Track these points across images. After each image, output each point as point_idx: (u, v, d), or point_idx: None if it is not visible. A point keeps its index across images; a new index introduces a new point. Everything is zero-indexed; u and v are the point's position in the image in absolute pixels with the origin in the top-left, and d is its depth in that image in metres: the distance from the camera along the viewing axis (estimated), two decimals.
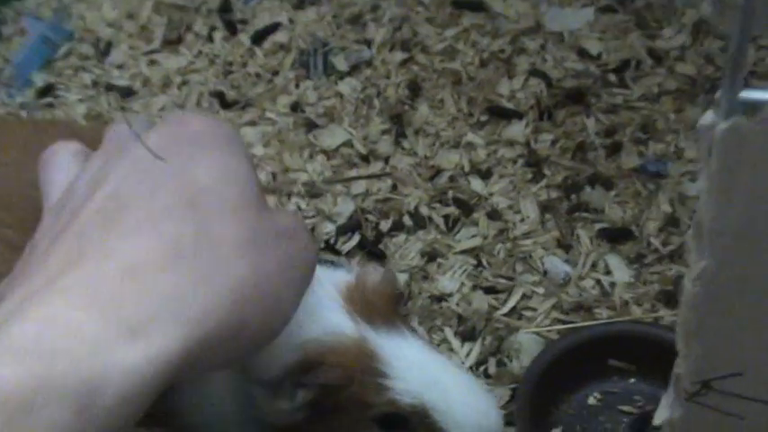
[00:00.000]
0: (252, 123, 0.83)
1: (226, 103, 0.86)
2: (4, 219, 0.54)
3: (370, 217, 0.75)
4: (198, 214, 0.40)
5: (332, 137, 0.81)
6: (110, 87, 0.88)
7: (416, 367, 0.51)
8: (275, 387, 0.49)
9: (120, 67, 0.91)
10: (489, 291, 0.69)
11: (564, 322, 0.66)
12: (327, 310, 0.51)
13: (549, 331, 0.66)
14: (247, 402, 0.51)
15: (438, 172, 0.78)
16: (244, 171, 0.43)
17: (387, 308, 0.53)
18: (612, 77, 0.83)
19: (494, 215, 0.74)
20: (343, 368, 0.50)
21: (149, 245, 0.38)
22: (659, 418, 0.59)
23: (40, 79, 0.90)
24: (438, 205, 0.75)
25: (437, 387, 0.51)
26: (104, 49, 0.92)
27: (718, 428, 0.34)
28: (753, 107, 0.28)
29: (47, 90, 0.89)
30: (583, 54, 0.86)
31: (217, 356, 0.39)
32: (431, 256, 0.71)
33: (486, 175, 0.77)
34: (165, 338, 0.36)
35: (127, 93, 0.88)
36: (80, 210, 0.40)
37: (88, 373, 0.33)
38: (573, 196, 0.75)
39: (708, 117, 0.29)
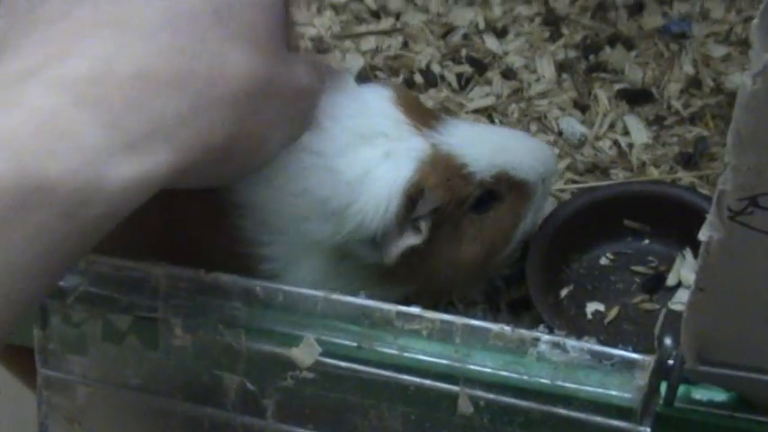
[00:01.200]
0: None
1: None
2: None
3: (380, 74, 0.72)
4: (221, 32, 0.36)
5: None
6: None
7: (479, 142, 0.52)
8: (383, 240, 0.49)
9: None
10: None
11: (578, 183, 0.64)
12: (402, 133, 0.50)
13: (562, 191, 0.64)
14: (350, 263, 0.51)
15: (451, 29, 0.74)
16: None
17: (425, 108, 0.54)
18: None
19: (508, 74, 0.71)
20: (441, 182, 0.50)
21: (164, 52, 0.35)
22: (674, 277, 0.58)
23: None
24: (450, 63, 0.72)
25: (503, 149, 0.53)
26: None
27: (761, 254, 0.32)
28: None
29: None
30: None
31: (196, 180, 0.38)
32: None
33: (501, 34, 0.74)
34: (155, 158, 0.34)
35: None
36: None
37: (83, 182, 0.32)
38: (591, 56, 0.71)
39: None
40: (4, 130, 0.31)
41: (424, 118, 0.51)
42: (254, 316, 0.45)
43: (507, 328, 0.43)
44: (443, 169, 0.50)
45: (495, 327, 0.43)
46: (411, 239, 0.50)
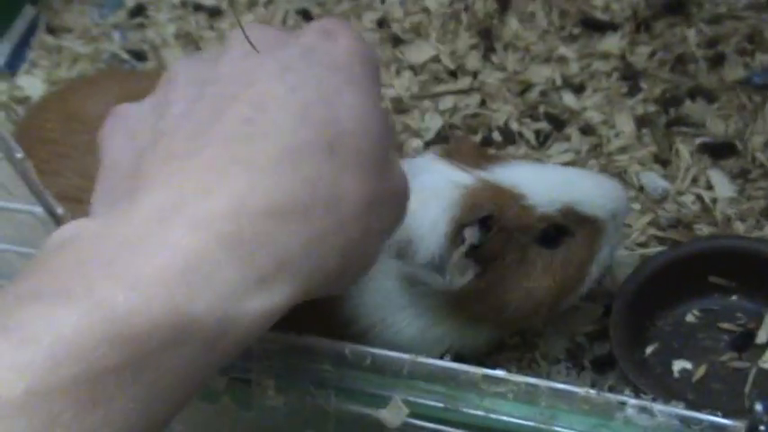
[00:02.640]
0: None
1: (311, 21, 0.85)
2: None
3: (459, 132, 0.73)
4: (334, 162, 0.38)
5: (419, 52, 0.79)
6: (198, 7, 0.88)
7: (539, 177, 0.54)
8: (441, 261, 0.52)
9: None
10: None
11: (661, 239, 0.64)
12: (441, 176, 0.54)
13: (645, 247, 0.64)
14: (414, 290, 0.54)
15: (528, 87, 0.75)
16: (379, 118, 0.40)
17: (480, 152, 0.58)
18: None
19: (587, 130, 0.71)
20: (488, 207, 0.52)
21: (288, 186, 0.37)
22: (764, 335, 0.57)
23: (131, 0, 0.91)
24: (528, 120, 0.73)
25: (566, 185, 0.55)
26: None
27: None
28: None
29: (138, 10, 0.89)
30: None
31: (311, 297, 0.40)
32: None
33: (578, 90, 0.74)
34: (282, 292, 0.36)
35: (214, 12, 0.88)
36: (207, 131, 0.38)
37: (223, 317, 0.34)
38: (671, 110, 0.71)
39: None
40: (156, 269, 0.33)
41: (474, 160, 0.55)
42: (343, 377, 0.47)
43: (593, 392, 0.43)
44: (490, 198, 0.53)
45: (581, 390, 0.43)
46: (472, 265, 0.52)
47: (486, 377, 0.44)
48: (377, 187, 0.40)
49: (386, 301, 0.54)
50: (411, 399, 0.45)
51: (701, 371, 0.57)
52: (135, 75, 0.81)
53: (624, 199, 0.58)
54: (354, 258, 0.40)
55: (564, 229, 0.55)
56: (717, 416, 0.41)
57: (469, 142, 0.61)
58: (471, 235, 0.52)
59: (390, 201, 0.41)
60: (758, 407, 0.39)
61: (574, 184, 0.55)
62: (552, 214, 0.54)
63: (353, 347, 0.46)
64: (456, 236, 0.52)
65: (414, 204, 0.48)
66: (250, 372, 0.48)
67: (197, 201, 0.35)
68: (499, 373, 0.44)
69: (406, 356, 0.46)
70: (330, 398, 0.47)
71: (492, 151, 0.69)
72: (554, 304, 0.56)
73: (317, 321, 0.48)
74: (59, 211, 0.44)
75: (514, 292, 0.54)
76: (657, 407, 0.41)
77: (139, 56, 0.85)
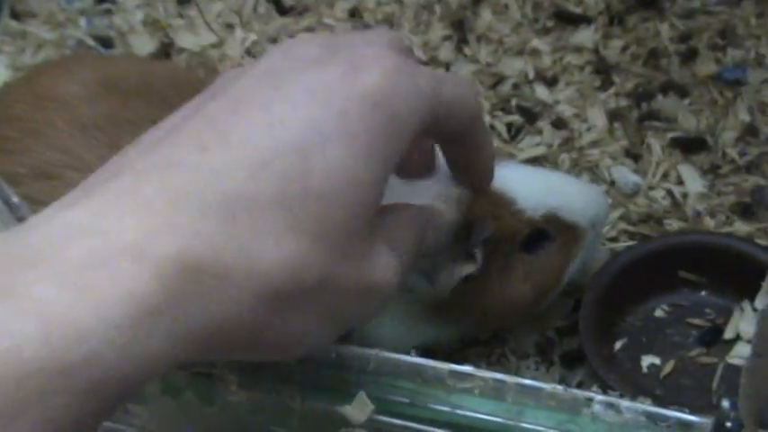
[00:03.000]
0: (309, 30, 0.81)
1: (283, 10, 0.83)
2: None
3: None
4: (284, 221, 0.34)
5: None
6: None
7: (530, 181, 0.53)
8: (433, 268, 0.50)
9: None
10: None
11: (632, 233, 0.64)
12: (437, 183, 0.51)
13: (615, 242, 0.63)
14: (403, 296, 0.52)
15: (501, 79, 0.75)
16: (366, 187, 0.35)
17: None
18: None
19: (559, 124, 0.71)
20: (489, 214, 0.51)
21: (210, 240, 0.33)
22: (732, 330, 0.57)
23: None
24: (500, 113, 0.72)
25: (553, 190, 0.54)
26: None
27: None
28: None
29: None
30: None
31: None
32: None
33: (551, 83, 0.74)
34: (171, 347, 0.33)
35: None
36: (157, 149, 0.35)
37: (106, 364, 0.31)
38: (644, 104, 0.71)
39: None
40: (37, 303, 0.30)
41: None
42: (307, 373, 0.46)
43: (560, 388, 0.42)
44: (491, 202, 0.52)
45: (547, 386, 0.42)
46: (466, 268, 0.51)
47: (452, 373, 0.44)
48: (337, 271, 0.35)
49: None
50: (377, 394, 0.45)
51: (670, 366, 0.57)
52: (105, 59, 0.79)
53: (606, 207, 0.58)
54: (270, 338, 0.35)
55: (545, 234, 0.54)
56: (684, 412, 0.41)
57: None
58: (477, 249, 0.51)
59: (355, 294, 0.36)
60: (725, 403, 0.39)
61: (558, 189, 0.55)
62: (537, 219, 0.53)
63: None
64: (456, 248, 0.50)
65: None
66: (213, 367, 0.47)
67: (106, 229, 0.32)
68: (466, 368, 0.44)
69: (371, 352, 0.45)
70: (294, 394, 0.46)
71: None
72: (530, 308, 0.56)
73: None
74: (14, 200, 0.43)
75: (495, 296, 0.54)
76: (624, 403, 0.41)
77: (106, 42, 0.83)
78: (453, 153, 0.46)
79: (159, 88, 0.62)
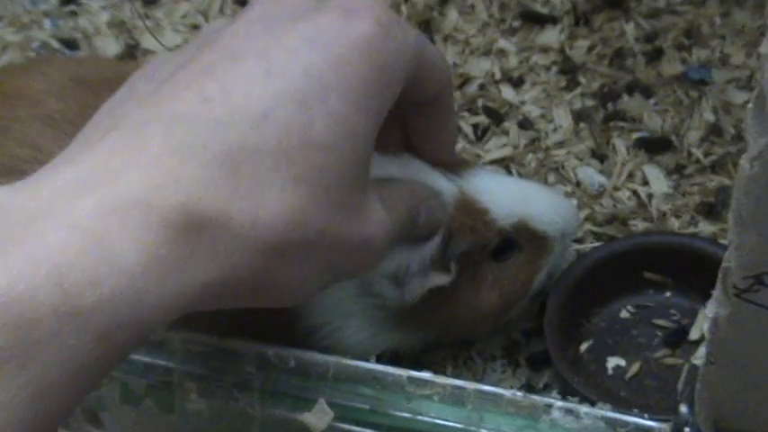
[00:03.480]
0: None
1: None
2: None
3: None
4: (286, 174, 0.35)
5: None
6: None
7: (502, 190, 0.53)
8: (403, 275, 0.49)
9: None
10: None
11: (598, 234, 0.64)
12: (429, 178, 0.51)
13: (581, 242, 0.63)
14: (365, 299, 0.51)
15: (467, 80, 0.74)
16: (363, 139, 0.36)
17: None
18: None
19: (525, 124, 0.71)
20: (466, 225, 0.51)
21: (216, 192, 0.34)
22: (697, 331, 0.57)
23: None
24: (467, 114, 0.72)
25: (525, 200, 0.53)
26: None
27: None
28: None
29: None
30: None
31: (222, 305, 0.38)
32: None
33: (517, 83, 0.74)
34: (186, 292, 0.34)
35: (149, 0, 0.85)
36: (160, 103, 0.35)
37: (118, 309, 0.32)
38: (609, 104, 0.71)
39: None
40: (49, 252, 0.31)
41: (450, 164, 0.52)
42: (267, 380, 0.45)
43: (519, 394, 0.42)
44: (468, 213, 0.51)
45: (507, 392, 0.42)
46: (439, 279, 0.51)
47: (412, 379, 0.44)
48: (336, 222, 0.36)
49: (335, 304, 0.52)
50: (337, 401, 0.44)
51: (635, 368, 0.57)
52: (74, 59, 0.78)
53: (576, 219, 0.58)
54: (269, 289, 0.36)
55: (515, 243, 0.54)
56: (643, 418, 0.41)
57: None
58: (452, 261, 0.50)
59: (346, 247, 0.37)
60: (683, 409, 0.39)
61: (530, 200, 0.55)
62: (507, 228, 0.53)
63: (277, 350, 0.45)
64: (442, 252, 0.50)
65: None
66: (171, 374, 0.46)
67: (113, 182, 0.33)
68: (425, 375, 0.44)
69: (330, 358, 0.45)
70: (254, 401, 0.45)
71: None
72: (498, 317, 0.56)
73: (259, 318, 0.46)
74: None
75: (463, 305, 0.53)
76: (583, 409, 0.41)
77: (71, 44, 0.82)
78: (420, 121, 0.46)
79: None
